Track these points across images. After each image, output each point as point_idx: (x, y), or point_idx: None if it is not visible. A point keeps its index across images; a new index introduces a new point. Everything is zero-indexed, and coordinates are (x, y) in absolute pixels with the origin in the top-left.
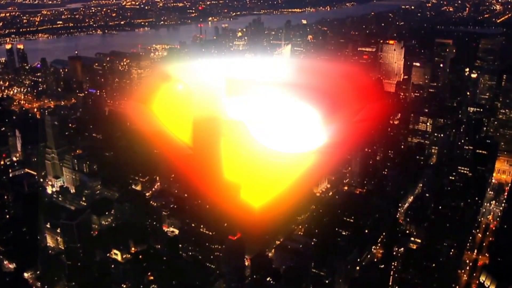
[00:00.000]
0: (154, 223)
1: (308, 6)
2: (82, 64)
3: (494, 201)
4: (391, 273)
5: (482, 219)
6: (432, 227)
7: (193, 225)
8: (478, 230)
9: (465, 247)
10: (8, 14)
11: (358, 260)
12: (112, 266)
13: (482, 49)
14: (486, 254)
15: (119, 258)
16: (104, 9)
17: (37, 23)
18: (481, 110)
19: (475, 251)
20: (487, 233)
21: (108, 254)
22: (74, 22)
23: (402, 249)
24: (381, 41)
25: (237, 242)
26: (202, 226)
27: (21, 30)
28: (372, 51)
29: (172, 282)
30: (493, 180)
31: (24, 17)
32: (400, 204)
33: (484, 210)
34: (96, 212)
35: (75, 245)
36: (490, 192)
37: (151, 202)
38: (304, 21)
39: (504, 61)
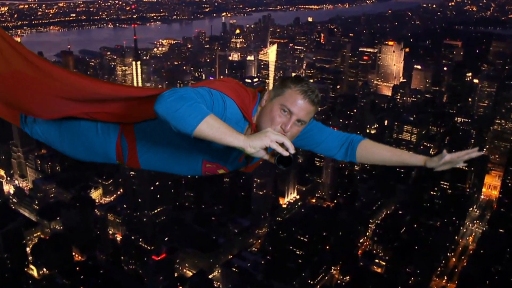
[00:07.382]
0: (98, 232)
1: (326, 3)
2: (75, 60)
3: (477, 221)
4: None
5: (461, 240)
6: (400, 248)
7: (132, 237)
8: (453, 254)
9: (434, 272)
10: (27, 6)
11: (312, 283)
12: (30, 281)
13: (492, 52)
14: (456, 281)
15: (35, 274)
16: (120, 3)
17: (51, 15)
18: (469, 120)
19: (445, 277)
20: (462, 257)
21: (26, 269)
22: (87, 15)
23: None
24: (384, 42)
25: (162, 263)
26: (141, 239)
27: (33, 22)
28: (374, 51)
29: None
30: (482, 196)
31: (40, 9)
32: (371, 221)
33: (465, 230)
34: (46, 217)
35: (1, 256)
36: (476, 210)
37: (95, 210)
38: (310, 19)
39: None
